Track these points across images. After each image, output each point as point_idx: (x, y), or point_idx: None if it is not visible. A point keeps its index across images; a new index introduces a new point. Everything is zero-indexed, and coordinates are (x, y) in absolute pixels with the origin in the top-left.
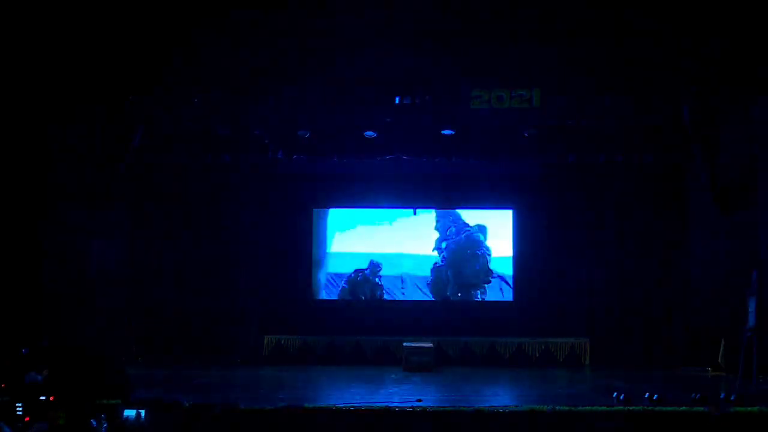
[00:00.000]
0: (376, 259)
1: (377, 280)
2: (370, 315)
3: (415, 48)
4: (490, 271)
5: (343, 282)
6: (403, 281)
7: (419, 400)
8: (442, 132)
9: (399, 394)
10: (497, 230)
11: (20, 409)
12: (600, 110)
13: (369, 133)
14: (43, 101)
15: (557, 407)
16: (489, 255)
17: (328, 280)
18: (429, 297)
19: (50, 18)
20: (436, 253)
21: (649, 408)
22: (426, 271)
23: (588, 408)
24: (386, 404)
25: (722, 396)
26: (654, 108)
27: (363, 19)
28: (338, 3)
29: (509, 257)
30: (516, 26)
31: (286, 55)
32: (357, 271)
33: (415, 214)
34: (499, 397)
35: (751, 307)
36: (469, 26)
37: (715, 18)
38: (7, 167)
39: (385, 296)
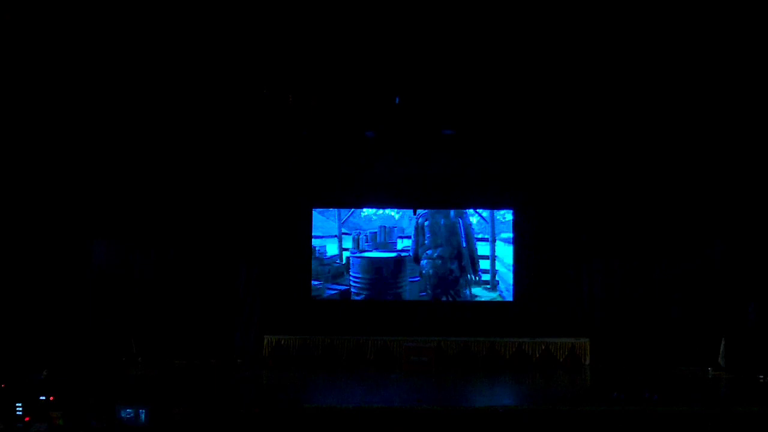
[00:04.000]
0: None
1: None
2: (370, 315)
3: None
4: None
5: None
6: None
7: (419, 400)
8: (443, 132)
9: (399, 394)
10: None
11: (20, 409)
12: None
13: (369, 134)
14: None
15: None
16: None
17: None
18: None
19: None
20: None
21: (649, 408)
22: None
23: (588, 408)
24: (386, 404)
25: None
26: None
27: None
28: None
29: (509, 257)
30: None
31: None
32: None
33: (414, 213)
34: (499, 397)
35: None
36: None
37: None
38: None
39: None
